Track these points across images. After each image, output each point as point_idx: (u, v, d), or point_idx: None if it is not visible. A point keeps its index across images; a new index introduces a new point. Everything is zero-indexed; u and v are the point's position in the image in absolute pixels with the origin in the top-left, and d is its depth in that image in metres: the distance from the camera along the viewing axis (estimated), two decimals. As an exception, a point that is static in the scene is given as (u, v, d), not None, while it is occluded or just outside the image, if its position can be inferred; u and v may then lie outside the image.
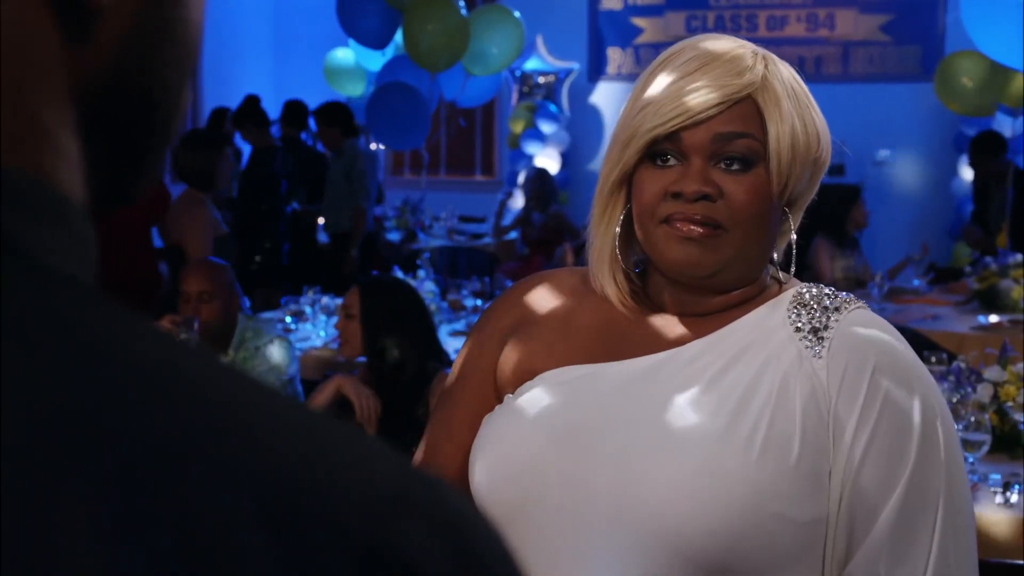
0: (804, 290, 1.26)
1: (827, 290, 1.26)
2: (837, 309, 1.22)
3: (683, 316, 1.27)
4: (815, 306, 1.23)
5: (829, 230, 5.81)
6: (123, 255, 5.32)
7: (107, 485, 0.34)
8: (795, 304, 1.24)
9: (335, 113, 6.94)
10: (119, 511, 0.34)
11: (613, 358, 1.25)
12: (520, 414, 1.22)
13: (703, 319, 1.26)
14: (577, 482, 1.17)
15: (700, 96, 1.19)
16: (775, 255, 1.28)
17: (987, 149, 6.72)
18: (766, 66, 1.22)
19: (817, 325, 1.21)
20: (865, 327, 1.22)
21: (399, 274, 5.33)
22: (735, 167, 1.20)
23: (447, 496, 0.40)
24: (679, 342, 1.25)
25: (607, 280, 1.29)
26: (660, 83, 1.22)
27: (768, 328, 1.23)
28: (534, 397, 1.23)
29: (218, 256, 4.84)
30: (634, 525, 1.13)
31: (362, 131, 7.14)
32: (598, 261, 1.29)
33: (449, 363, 3.34)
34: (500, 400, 1.28)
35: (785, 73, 1.24)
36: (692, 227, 1.19)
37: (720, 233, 1.20)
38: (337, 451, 0.39)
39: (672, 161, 1.21)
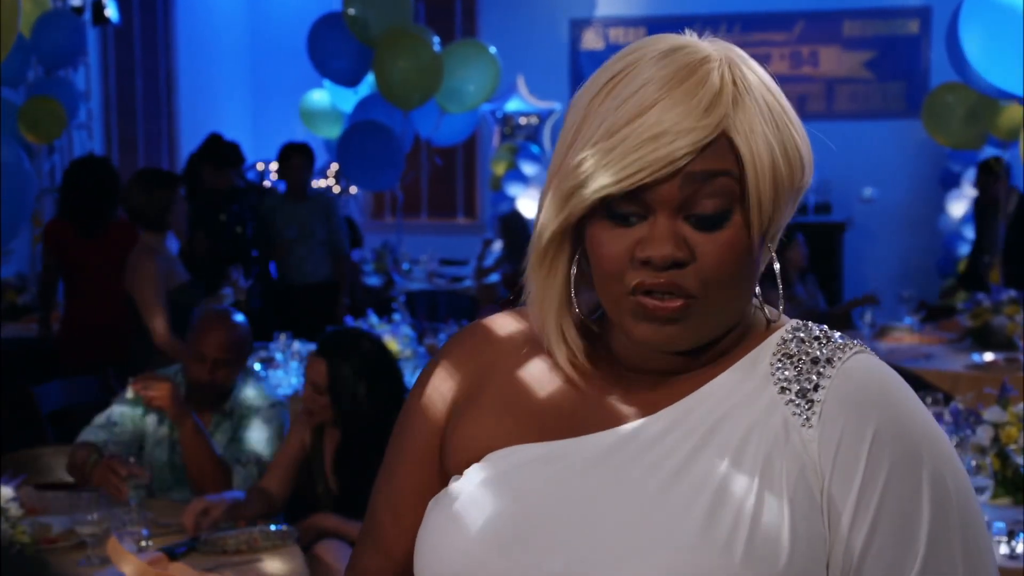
0: (790, 335, 1.04)
1: (816, 331, 1.04)
2: (829, 361, 1.01)
3: (650, 374, 1.05)
4: (803, 359, 1.01)
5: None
6: (94, 297, 5.15)
7: None
8: (780, 354, 1.03)
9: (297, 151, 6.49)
10: None
11: (569, 432, 1.04)
12: (461, 509, 1.02)
13: (676, 379, 1.04)
14: None
15: (665, 147, 0.94)
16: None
17: (990, 171, 6.78)
18: (734, 83, 0.98)
19: (806, 385, 1.00)
20: (863, 381, 1.00)
21: (374, 319, 5.16)
22: (707, 223, 0.98)
23: None
24: (646, 410, 1.03)
25: (555, 340, 1.07)
26: (607, 117, 0.97)
27: (748, 390, 1.01)
28: (478, 488, 1.03)
29: (182, 302, 4.66)
30: None
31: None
32: (543, 318, 1.07)
33: None
34: (447, 473, 1.09)
35: (756, 86, 0.99)
36: (661, 306, 0.98)
37: (691, 304, 0.98)
38: None
39: (633, 219, 0.99)
